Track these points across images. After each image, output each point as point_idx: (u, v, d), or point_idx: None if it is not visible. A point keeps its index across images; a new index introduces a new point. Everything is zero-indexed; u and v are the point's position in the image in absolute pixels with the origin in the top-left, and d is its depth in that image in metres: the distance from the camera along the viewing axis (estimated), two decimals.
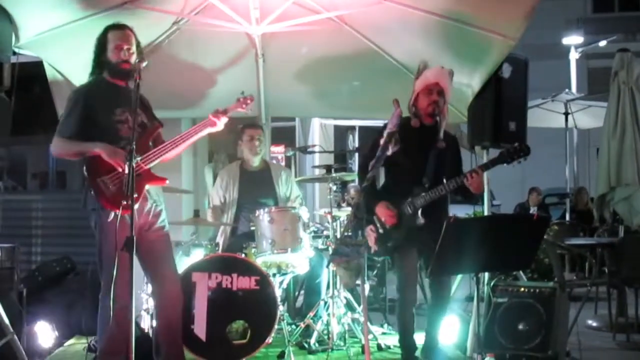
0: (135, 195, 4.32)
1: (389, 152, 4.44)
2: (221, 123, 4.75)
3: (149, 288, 5.77)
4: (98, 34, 4.67)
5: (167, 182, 4.69)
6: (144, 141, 4.55)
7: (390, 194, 5.01)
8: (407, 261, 5.01)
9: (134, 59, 4.55)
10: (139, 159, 4.37)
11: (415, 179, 4.95)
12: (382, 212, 4.94)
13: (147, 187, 4.53)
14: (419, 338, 5.19)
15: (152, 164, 4.54)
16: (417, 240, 4.92)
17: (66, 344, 6.21)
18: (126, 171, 4.06)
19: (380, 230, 4.95)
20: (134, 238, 3.79)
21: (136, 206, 4.33)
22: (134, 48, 4.64)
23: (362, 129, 13.30)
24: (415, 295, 5.14)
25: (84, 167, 4.43)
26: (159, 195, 4.76)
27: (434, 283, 5.09)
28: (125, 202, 3.99)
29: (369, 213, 4.93)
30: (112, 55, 4.57)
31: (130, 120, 4.51)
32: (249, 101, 4.95)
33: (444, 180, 4.91)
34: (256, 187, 6.49)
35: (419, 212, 4.91)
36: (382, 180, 5.22)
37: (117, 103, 4.53)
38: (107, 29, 4.64)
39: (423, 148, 5.00)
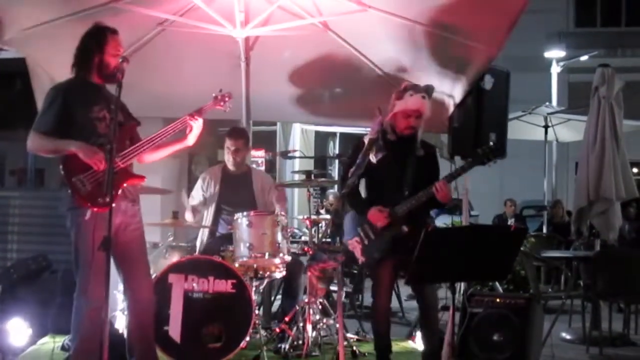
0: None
1: (375, 160, 4.47)
2: (198, 124, 4.74)
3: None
4: (95, 34, 4.60)
5: (145, 180, 4.65)
6: (120, 139, 4.51)
7: (372, 203, 4.97)
8: (384, 269, 5.02)
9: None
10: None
11: (395, 188, 4.94)
12: (375, 215, 4.90)
13: (124, 185, 4.50)
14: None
15: (129, 162, 4.53)
16: (398, 249, 4.85)
17: (39, 342, 6.17)
18: (105, 170, 4.03)
19: (366, 242, 4.93)
20: (111, 237, 3.76)
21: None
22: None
23: (343, 136, 13.30)
24: (388, 301, 5.14)
25: (61, 166, 4.40)
26: (136, 194, 4.73)
27: (418, 297, 5.09)
28: (101, 200, 3.98)
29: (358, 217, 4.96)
30: (111, 59, 4.54)
31: (107, 118, 4.50)
32: (226, 98, 4.94)
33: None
34: (236, 191, 6.46)
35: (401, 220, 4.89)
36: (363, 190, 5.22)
37: (96, 101, 4.51)
38: (107, 33, 4.59)
39: (401, 158, 4.97)
